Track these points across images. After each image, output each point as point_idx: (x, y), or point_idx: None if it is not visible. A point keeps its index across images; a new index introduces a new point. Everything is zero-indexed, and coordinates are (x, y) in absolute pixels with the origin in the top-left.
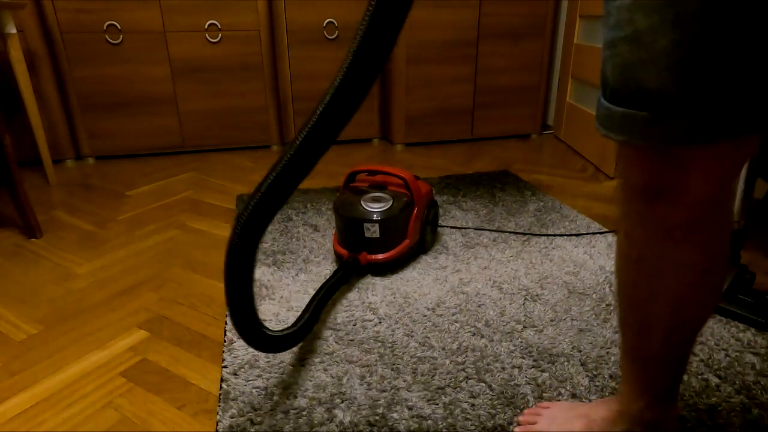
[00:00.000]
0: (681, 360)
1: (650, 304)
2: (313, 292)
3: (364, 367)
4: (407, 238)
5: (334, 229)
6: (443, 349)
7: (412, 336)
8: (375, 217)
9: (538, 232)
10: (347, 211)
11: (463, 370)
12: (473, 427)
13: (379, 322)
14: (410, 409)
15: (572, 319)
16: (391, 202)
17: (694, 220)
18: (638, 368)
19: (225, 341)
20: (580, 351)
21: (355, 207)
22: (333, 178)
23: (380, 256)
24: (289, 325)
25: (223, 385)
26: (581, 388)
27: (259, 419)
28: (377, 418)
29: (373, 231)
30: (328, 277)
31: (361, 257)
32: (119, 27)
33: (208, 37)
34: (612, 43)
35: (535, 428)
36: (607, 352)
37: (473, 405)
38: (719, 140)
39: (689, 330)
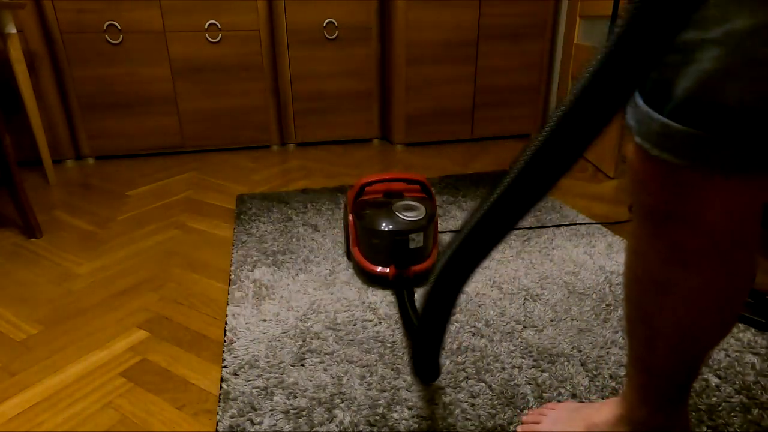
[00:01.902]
0: (689, 373)
1: (657, 321)
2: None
3: (364, 367)
4: (437, 240)
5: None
6: (443, 349)
7: None
8: (418, 225)
9: (537, 232)
10: (387, 226)
11: (463, 370)
12: (473, 427)
13: (379, 322)
14: (410, 409)
15: (572, 319)
16: (423, 209)
17: (708, 248)
18: (644, 378)
19: (225, 341)
20: (580, 351)
21: (393, 219)
22: (333, 178)
23: (425, 265)
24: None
25: (223, 385)
26: (581, 388)
27: (259, 419)
28: (377, 418)
29: (417, 241)
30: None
31: (408, 271)
32: (119, 27)
33: (208, 37)
34: (688, 46)
35: (538, 428)
36: (607, 352)
37: (473, 405)
38: (750, 172)
39: (699, 348)
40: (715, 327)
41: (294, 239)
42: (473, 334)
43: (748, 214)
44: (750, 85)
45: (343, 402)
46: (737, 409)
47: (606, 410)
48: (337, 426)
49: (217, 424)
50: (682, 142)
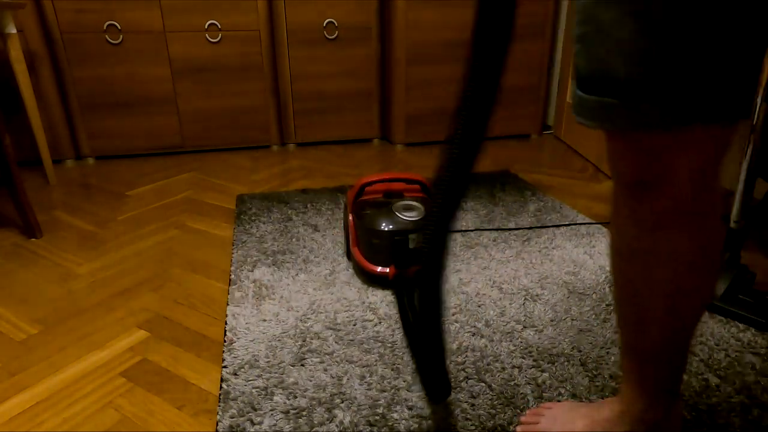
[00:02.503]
0: (679, 356)
1: (645, 297)
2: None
3: (364, 367)
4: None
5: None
6: (447, 357)
7: None
8: (418, 225)
9: (537, 232)
10: (387, 226)
11: (463, 370)
12: (473, 427)
13: (379, 322)
14: (410, 409)
15: (572, 319)
16: (423, 209)
17: (679, 209)
18: (638, 365)
19: (225, 341)
20: (580, 351)
21: (393, 219)
22: (332, 178)
23: None
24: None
25: (223, 385)
26: (581, 388)
27: (259, 419)
28: (377, 418)
29: (417, 241)
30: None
31: (407, 271)
32: (119, 27)
33: (208, 37)
34: (581, 38)
35: (537, 428)
36: (607, 352)
37: (473, 405)
38: (691, 127)
39: (685, 323)
40: (696, 296)
41: (294, 239)
42: (473, 334)
43: (706, 176)
44: (627, 60)
45: (343, 402)
46: (737, 409)
47: (606, 408)
48: (337, 426)
49: (217, 424)
50: (592, 109)
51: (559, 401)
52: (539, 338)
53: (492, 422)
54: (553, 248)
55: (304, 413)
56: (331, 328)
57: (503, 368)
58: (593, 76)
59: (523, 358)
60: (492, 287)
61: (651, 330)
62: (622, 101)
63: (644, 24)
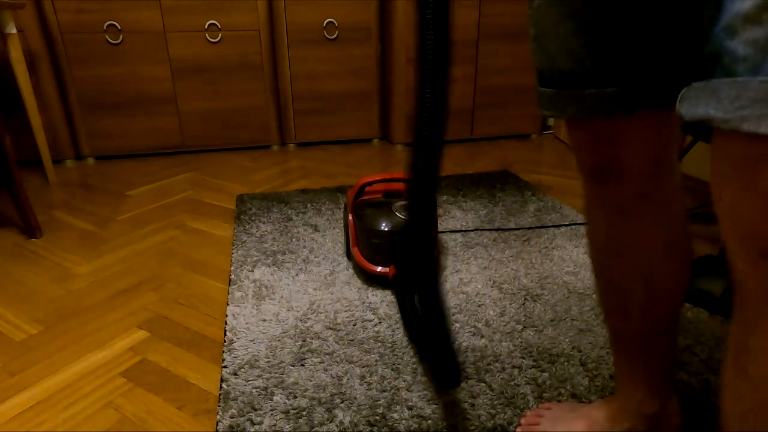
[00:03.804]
0: (667, 343)
1: (623, 284)
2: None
3: (364, 367)
4: (437, 240)
5: (352, 247)
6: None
7: None
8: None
9: (537, 232)
10: (387, 226)
11: (463, 370)
12: (473, 427)
13: (379, 322)
14: (410, 409)
15: (572, 319)
16: None
17: (639, 195)
18: (627, 356)
19: (225, 341)
20: (580, 351)
21: (393, 219)
22: (332, 178)
23: None
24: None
25: (223, 385)
26: (581, 388)
27: (259, 419)
28: (377, 418)
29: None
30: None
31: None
32: (119, 27)
33: (208, 37)
34: (534, 38)
35: (537, 429)
36: (607, 352)
37: (473, 405)
38: (636, 114)
39: (666, 308)
40: (672, 278)
41: (294, 239)
42: (473, 334)
43: (658, 162)
44: (569, 55)
45: (343, 402)
46: None
47: (605, 407)
48: (337, 426)
49: (217, 424)
50: (549, 100)
51: (559, 401)
52: (539, 338)
53: (492, 422)
54: (553, 248)
55: (304, 413)
56: (331, 328)
57: (503, 368)
58: (546, 70)
59: (523, 358)
60: (492, 287)
61: (634, 317)
62: (570, 91)
63: (579, 23)
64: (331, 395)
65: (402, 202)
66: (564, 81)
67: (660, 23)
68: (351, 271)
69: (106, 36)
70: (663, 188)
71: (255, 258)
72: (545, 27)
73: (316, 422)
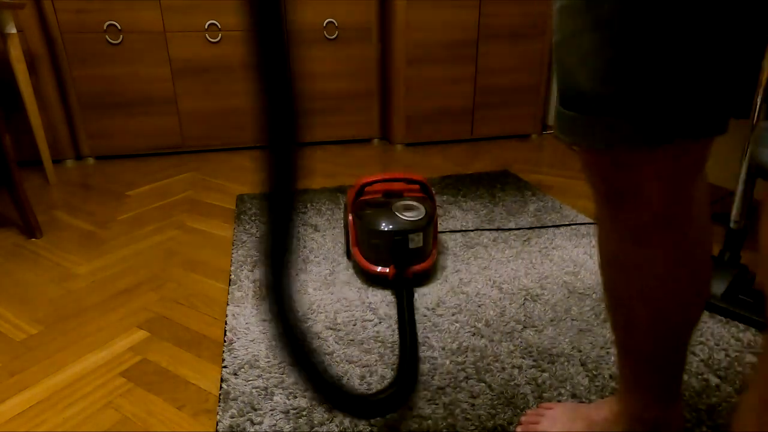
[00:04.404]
0: (674, 359)
1: (631, 302)
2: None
3: (364, 367)
4: (437, 240)
5: (352, 247)
6: (443, 349)
7: None
8: (418, 226)
9: (537, 232)
10: (387, 226)
11: (463, 370)
12: (473, 427)
13: (379, 322)
14: (410, 409)
15: (572, 319)
16: (422, 209)
17: (656, 222)
18: (631, 366)
19: (225, 341)
20: (580, 351)
21: (393, 219)
22: (332, 177)
23: (424, 265)
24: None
25: (223, 385)
26: (581, 388)
27: (259, 419)
28: (377, 418)
29: (417, 241)
30: (398, 309)
31: (408, 271)
32: (119, 27)
33: (208, 37)
34: (555, 47)
35: (537, 428)
36: (607, 352)
37: (473, 405)
38: (660, 144)
39: (676, 329)
40: (684, 304)
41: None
42: (473, 334)
43: (681, 189)
44: (591, 74)
45: None
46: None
47: (605, 408)
48: (337, 426)
49: (217, 424)
50: (568, 125)
51: (559, 401)
52: (539, 338)
53: (492, 422)
54: (553, 248)
55: (304, 413)
56: (331, 328)
57: (503, 368)
58: (566, 88)
59: (523, 358)
60: (492, 287)
61: (639, 332)
62: (594, 117)
63: (606, 35)
64: None
65: (402, 202)
66: (585, 104)
67: (713, 40)
68: (351, 271)
69: (106, 36)
70: (682, 214)
71: (255, 258)
72: (567, 34)
73: (316, 422)
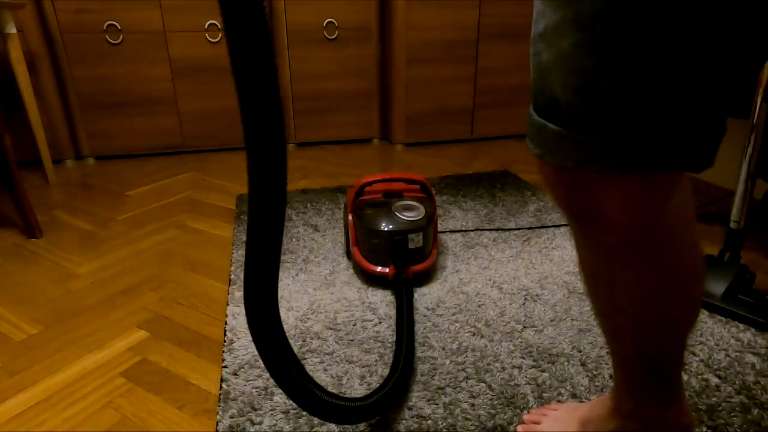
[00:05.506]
0: (666, 363)
1: (615, 315)
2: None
3: (364, 367)
4: (436, 240)
5: (352, 247)
6: (443, 349)
7: None
8: (417, 226)
9: (537, 232)
10: (387, 226)
11: (463, 370)
12: (473, 427)
13: (379, 322)
14: (410, 409)
15: (572, 319)
16: (422, 209)
17: (629, 244)
18: (623, 370)
19: (225, 341)
20: (580, 351)
21: (393, 219)
22: (332, 177)
23: (424, 265)
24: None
25: (223, 385)
26: (581, 388)
27: (259, 419)
28: (377, 418)
29: (417, 241)
30: (397, 308)
31: (407, 271)
32: (119, 27)
33: (208, 37)
34: (533, 41)
35: (538, 428)
36: (607, 353)
37: (473, 405)
38: (635, 171)
39: (664, 342)
40: (672, 321)
41: (294, 239)
42: (473, 334)
43: (655, 213)
44: (566, 79)
45: None
46: (737, 409)
47: (599, 405)
48: (337, 426)
49: (217, 424)
50: (536, 134)
51: (560, 401)
52: (539, 338)
53: (492, 422)
54: (553, 248)
55: (304, 413)
56: (331, 328)
57: (503, 368)
58: (540, 93)
59: (523, 358)
60: (492, 287)
61: (625, 342)
62: (558, 129)
63: (588, 38)
64: None
65: (402, 202)
66: (556, 113)
67: (710, 56)
68: (351, 271)
69: (106, 36)
70: (658, 234)
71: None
72: (547, 28)
73: (316, 422)
